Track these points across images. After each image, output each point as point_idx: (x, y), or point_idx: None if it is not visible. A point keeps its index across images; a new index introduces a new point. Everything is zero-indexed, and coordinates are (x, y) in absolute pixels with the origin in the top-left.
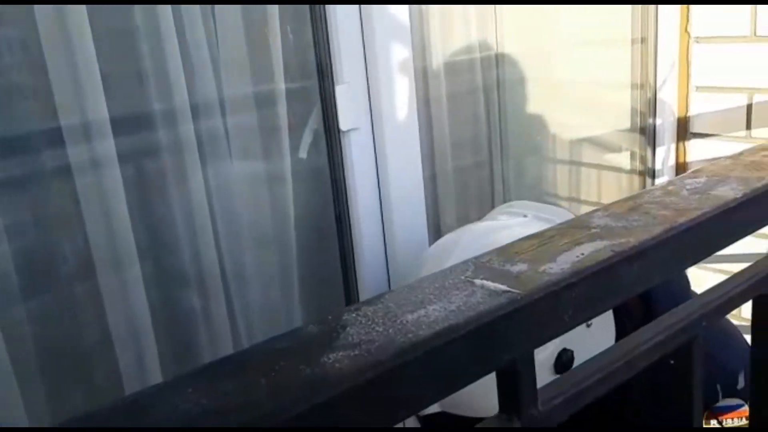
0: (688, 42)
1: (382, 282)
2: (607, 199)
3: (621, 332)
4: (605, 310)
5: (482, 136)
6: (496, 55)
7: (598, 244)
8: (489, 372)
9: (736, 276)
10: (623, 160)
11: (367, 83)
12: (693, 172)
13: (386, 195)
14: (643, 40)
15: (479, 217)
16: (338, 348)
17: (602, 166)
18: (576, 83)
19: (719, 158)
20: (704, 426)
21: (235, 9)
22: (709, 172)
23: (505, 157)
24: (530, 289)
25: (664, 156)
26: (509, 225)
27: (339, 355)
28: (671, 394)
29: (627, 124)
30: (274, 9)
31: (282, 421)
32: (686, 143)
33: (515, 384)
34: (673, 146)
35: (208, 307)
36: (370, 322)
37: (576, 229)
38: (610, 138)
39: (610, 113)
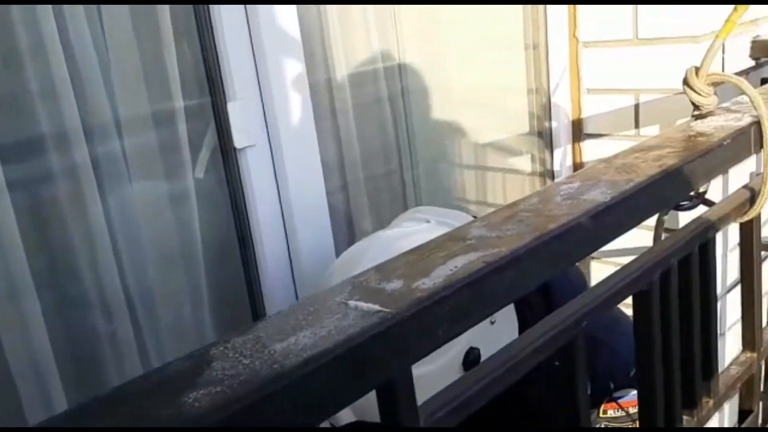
0: (577, 47)
1: (290, 296)
2: (512, 201)
3: (524, 325)
4: (482, 320)
5: (390, 145)
6: (399, 65)
7: (472, 256)
8: (366, 392)
9: (614, 275)
10: (524, 162)
11: (261, 99)
12: (569, 177)
13: (288, 210)
14: (536, 46)
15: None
16: (200, 385)
17: (506, 169)
18: (476, 90)
19: (594, 163)
20: (601, 413)
21: (127, 24)
22: (583, 177)
23: (414, 164)
24: (401, 307)
25: (562, 157)
26: (414, 232)
27: (200, 393)
28: (560, 386)
29: (526, 128)
30: (167, 24)
31: None
32: (581, 144)
33: (394, 402)
34: (569, 147)
35: (115, 332)
36: (237, 355)
37: (453, 241)
38: (511, 142)
39: (510, 118)
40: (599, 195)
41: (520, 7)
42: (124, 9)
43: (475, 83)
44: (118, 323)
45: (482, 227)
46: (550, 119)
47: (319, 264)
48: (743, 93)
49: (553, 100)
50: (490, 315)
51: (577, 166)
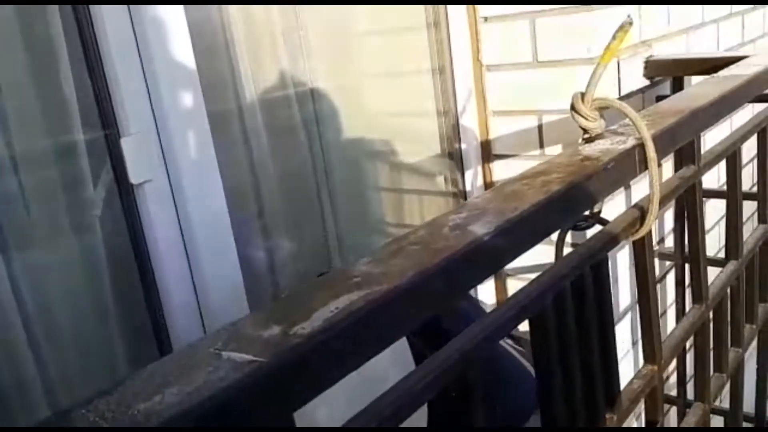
0: (481, 70)
1: (197, 332)
2: (429, 220)
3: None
4: (364, 362)
5: (306, 172)
6: (311, 91)
7: (354, 295)
8: None
9: (507, 302)
10: (438, 183)
11: (158, 132)
12: (459, 206)
13: (192, 244)
14: (442, 71)
15: (311, 252)
16: None
17: (421, 190)
18: (389, 114)
19: (485, 192)
20: None
21: (16, 59)
22: (472, 207)
23: (331, 190)
24: (276, 355)
25: (473, 177)
26: None
27: None
28: (460, 416)
29: (437, 150)
30: (61, 57)
31: None
32: (491, 164)
33: None
34: (479, 168)
35: (17, 373)
36: (97, 418)
37: (338, 280)
38: (424, 164)
39: (422, 140)
40: (483, 226)
41: (425, 33)
42: (15, 41)
43: (387, 108)
44: (19, 364)
45: (369, 263)
46: (459, 141)
47: (228, 297)
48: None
49: (461, 122)
50: (376, 354)
51: (487, 185)
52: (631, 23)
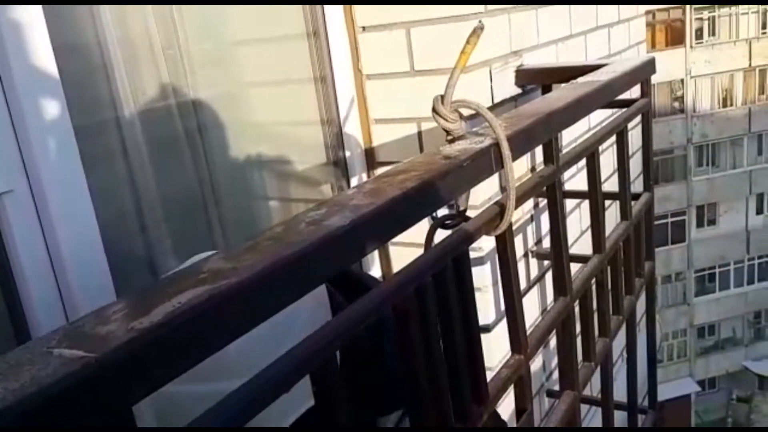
0: (362, 79)
1: None
2: None
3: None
4: (206, 357)
5: (190, 183)
6: (193, 101)
7: (199, 290)
8: None
9: (371, 294)
10: (325, 191)
11: (17, 142)
12: (320, 203)
13: (57, 257)
14: (323, 80)
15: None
16: None
17: (308, 199)
18: (273, 123)
19: (347, 190)
20: None
21: None
22: (333, 203)
23: (217, 201)
24: (107, 351)
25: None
26: None
27: None
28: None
29: (323, 158)
30: None
31: None
32: (375, 171)
33: None
34: (364, 175)
35: None
36: None
37: (187, 276)
38: (310, 172)
39: (307, 149)
40: (340, 220)
41: (305, 42)
42: None
43: (271, 117)
44: None
45: (220, 259)
46: (344, 149)
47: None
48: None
49: (345, 130)
50: (218, 350)
51: None
52: (482, 28)
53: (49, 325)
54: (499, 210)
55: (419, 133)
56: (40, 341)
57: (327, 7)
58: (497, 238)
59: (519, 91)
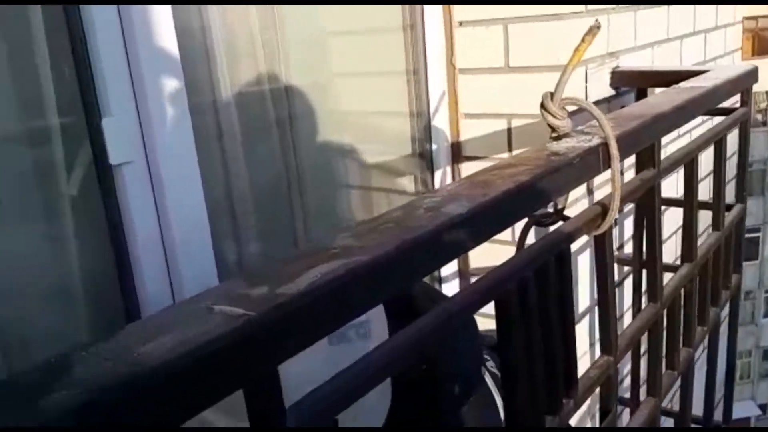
0: (455, 73)
1: None
2: None
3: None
4: (343, 325)
5: (277, 168)
6: (285, 88)
7: (334, 264)
8: (229, 394)
9: (474, 284)
10: (408, 183)
11: (138, 115)
12: (434, 191)
13: (167, 228)
14: (416, 72)
15: (279, 248)
16: (57, 390)
17: (390, 189)
18: (361, 114)
19: (461, 179)
20: None
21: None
22: (446, 192)
23: (301, 187)
24: (264, 311)
25: (442, 177)
26: None
27: (57, 396)
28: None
29: (409, 150)
30: (40, 39)
31: None
32: (460, 165)
33: (261, 402)
34: (449, 168)
35: None
36: (98, 359)
37: (319, 251)
38: (395, 163)
39: (393, 141)
40: (457, 207)
41: (400, 34)
42: None
43: (360, 107)
44: None
45: (348, 237)
46: (430, 142)
47: (200, 284)
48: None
49: (433, 123)
50: (352, 320)
51: None
52: (598, 27)
53: (155, 291)
54: (601, 210)
55: (508, 130)
56: (198, 299)
57: None
58: (596, 238)
59: (612, 92)
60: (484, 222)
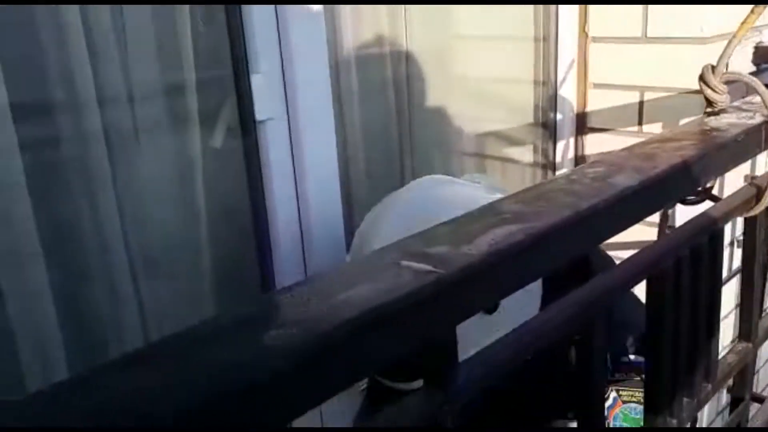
0: (586, 42)
1: (299, 270)
2: (511, 191)
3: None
4: (516, 290)
5: (392, 129)
6: (405, 50)
7: (511, 228)
8: (417, 349)
9: (632, 258)
10: (527, 153)
11: (282, 72)
12: (592, 162)
13: (302, 184)
14: (545, 39)
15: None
16: (275, 327)
17: (507, 158)
18: (481, 79)
19: (613, 150)
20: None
21: None
22: (608, 163)
23: (414, 150)
24: (452, 269)
25: (564, 149)
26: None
27: (277, 333)
28: (580, 359)
29: (530, 119)
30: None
31: (229, 396)
32: (584, 137)
33: (440, 359)
34: (572, 140)
35: (123, 304)
36: (304, 301)
37: (489, 215)
38: (514, 132)
39: (515, 108)
40: (626, 179)
41: None
42: None
43: (482, 72)
44: (126, 294)
45: (516, 203)
46: (555, 111)
47: (329, 240)
48: (755, 93)
49: (559, 92)
50: (525, 286)
51: (579, 158)
52: None
53: (288, 243)
54: (756, 191)
55: (640, 103)
56: (380, 254)
57: None
58: (747, 220)
59: (753, 68)
60: (653, 195)
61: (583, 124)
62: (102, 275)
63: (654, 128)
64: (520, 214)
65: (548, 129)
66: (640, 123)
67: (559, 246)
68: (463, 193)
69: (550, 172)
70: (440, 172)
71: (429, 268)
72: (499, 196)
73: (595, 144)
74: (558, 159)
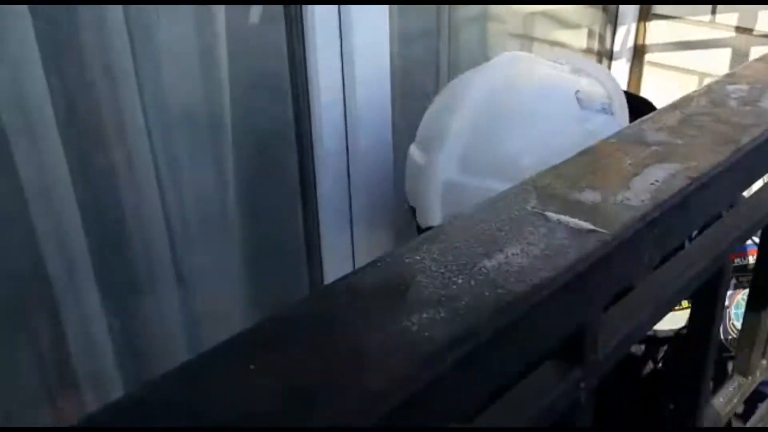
0: None
1: (342, 177)
2: None
3: None
4: (674, 246)
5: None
6: None
7: (669, 168)
8: (570, 331)
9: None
10: (580, 38)
11: None
12: (726, 76)
13: (350, 80)
14: None
15: (422, 87)
16: (415, 306)
17: (557, 42)
18: None
19: (751, 61)
20: None
21: None
22: (748, 78)
23: (452, 26)
24: (618, 229)
25: (624, 36)
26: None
27: (420, 317)
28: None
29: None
30: None
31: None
32: (647, 24)
33: (582, 334)
34: (634, 26)
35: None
36: (443, 270)
37: (634, 145)
38: (567, 14)
39: None
40: None
41: None
42: None
43: None
44: (147, 199)
45: (659, 131)
46: None
47: (376, 147)
48: None
49: None
50: (686, 239)
51: (638, 48)
52: None
53: (332, 150)
54: None
55: None
56: (510, 197)
57: None
58: None
59: None
60: None
61: (647, 9)
62: (123, 176)
63: (728, 19)
64: (671, 148)
65: (609, 13)
66: (713, 12)
67: (718, 191)
68: (547, 73)
69: (605, 61)
70: (479, 54)
71: (588, 226)
72: (586, 81)
73: (658, 33)
74: (616, 47)
